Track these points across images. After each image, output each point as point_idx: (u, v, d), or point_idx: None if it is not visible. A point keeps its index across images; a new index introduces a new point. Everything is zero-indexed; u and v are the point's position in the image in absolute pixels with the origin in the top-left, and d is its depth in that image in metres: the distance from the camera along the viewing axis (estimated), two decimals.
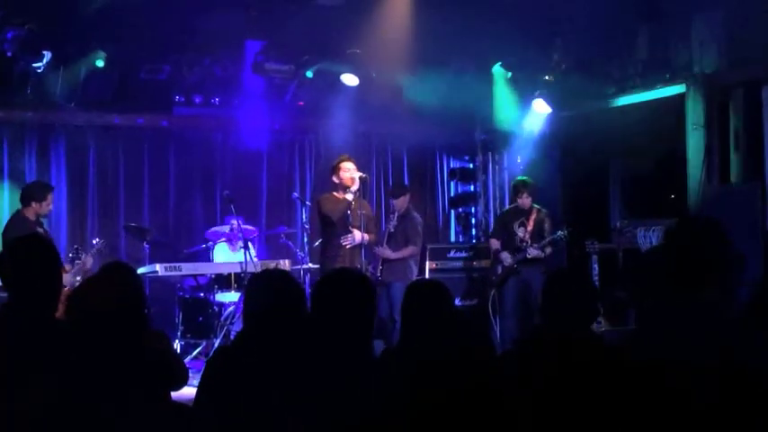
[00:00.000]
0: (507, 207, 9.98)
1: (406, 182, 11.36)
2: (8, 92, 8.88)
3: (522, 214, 9.02)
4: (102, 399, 2.37)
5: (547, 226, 8.95)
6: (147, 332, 2.68)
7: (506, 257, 8.96)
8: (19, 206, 8.14)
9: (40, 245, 3.50)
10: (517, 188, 9.07)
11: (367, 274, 7.42)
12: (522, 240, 8.93)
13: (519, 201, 9.00)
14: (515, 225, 9.01)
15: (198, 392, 3.38)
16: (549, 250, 8.86)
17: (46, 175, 9.62)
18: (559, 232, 8.81)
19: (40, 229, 7.90)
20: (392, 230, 8.51)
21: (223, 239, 9.30)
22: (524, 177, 9.29)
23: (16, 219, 8.06)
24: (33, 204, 8.02)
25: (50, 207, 8.23)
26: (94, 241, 8.79)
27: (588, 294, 3.71)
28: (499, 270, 9.07)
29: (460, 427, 3.07)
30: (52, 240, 3.23)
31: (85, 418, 2.35)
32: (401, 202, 8.79)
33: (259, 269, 8.32)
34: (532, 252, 8.79)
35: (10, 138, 9.70)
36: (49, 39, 8.42)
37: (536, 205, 9.00)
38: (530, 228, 8.94)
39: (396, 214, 8.63)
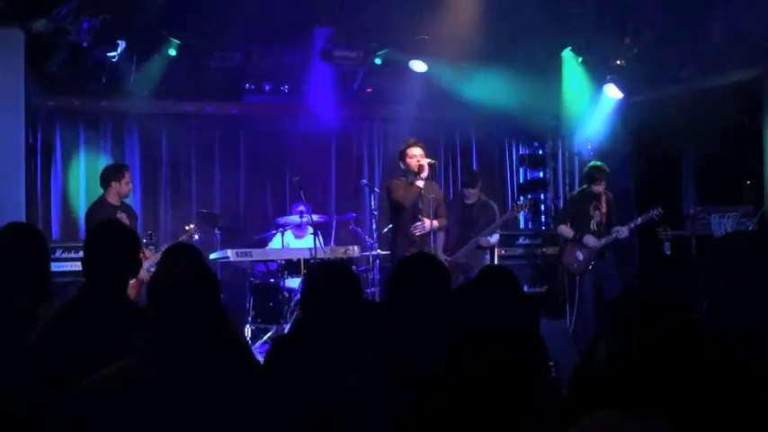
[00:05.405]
0: (576, 191, 9.77)
1: (475, 168, 11.36)
2: (84, 81, 9.05)
3: (593, 197, 8.84)
4: (184, 379, 2.43)
5: (614, 208, 8.86)
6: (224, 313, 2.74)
7: (591, 240, 8.72)
8: (100, 192, 8.31)
9: (114, 232, 3.58)
10: (593, 176, 8.81)
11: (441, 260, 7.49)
12: (598, 224, 8.76)
13: (594, 188, 8.80)
14: (590, 208, 8.83)
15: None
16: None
17: (120, 162, 9.81)
18: (653, 211, 8.57)
19: (122, 214, 8.01)
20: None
21: (290, 228, 9.39)
22: (599, 163, 9.05)
23: (97, 204, 8.24)
24: (113, 185, 8.19)
25: (129, 186, 8.36)
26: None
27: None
28: (580, 257, 8.78)
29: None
30: (135, 222, 3.29)
31: (166, 398, 2.40)
32: (476, 192, 8.85)
33: (329, 255, 8.41)
34: (623, 232, 8.60)
35: (85, 126, 9.95)
36: (123, 28, 8.56)
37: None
38: (604, 210, 8.78)
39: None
